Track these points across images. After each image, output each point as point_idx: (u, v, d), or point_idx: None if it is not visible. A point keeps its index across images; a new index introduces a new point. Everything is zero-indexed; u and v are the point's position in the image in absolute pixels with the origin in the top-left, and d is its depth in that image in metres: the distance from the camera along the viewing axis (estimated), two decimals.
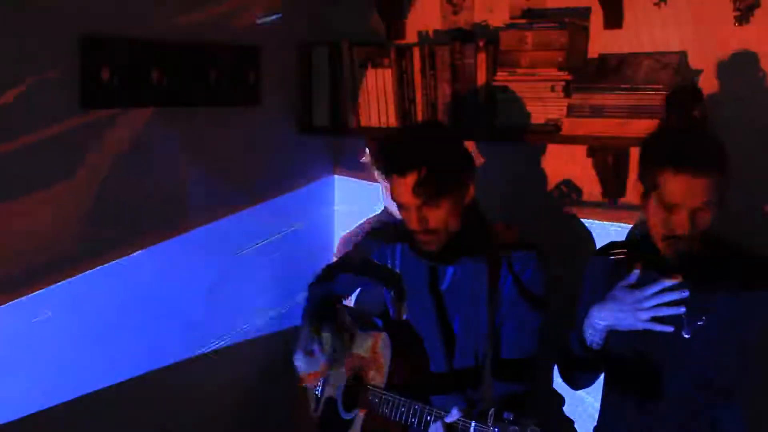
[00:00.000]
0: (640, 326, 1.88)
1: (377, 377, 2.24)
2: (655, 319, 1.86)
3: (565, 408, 2.44)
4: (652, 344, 1.97)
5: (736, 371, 1.98)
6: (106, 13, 2.25)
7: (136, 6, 2.32)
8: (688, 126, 2.07)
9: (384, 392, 2.18)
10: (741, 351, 1.97)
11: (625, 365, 2.04)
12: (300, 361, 2.33)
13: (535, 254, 2.17)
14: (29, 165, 2.13)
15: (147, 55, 2.34)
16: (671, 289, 1.84)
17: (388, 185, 2.19)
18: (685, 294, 1.82)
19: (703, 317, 1.93)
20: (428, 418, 2.01)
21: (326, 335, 2.29)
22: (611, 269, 2.07)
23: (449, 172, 2.11)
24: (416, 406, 2.05)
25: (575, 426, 2.39)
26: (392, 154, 2.16)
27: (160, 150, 2.45)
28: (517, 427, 1.71)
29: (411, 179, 2.08)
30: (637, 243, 2.08)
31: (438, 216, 2.11)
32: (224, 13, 2.57)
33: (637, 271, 1.90)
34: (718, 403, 1.97)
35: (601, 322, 1.94)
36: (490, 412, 1.76)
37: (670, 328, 1.86)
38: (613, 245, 2.15)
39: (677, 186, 1.88)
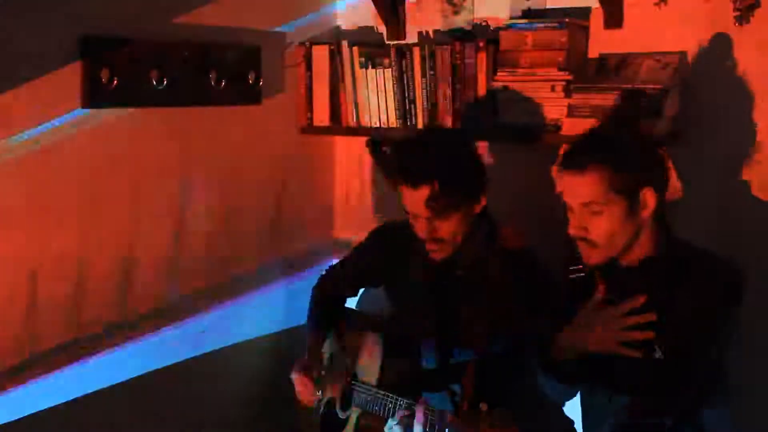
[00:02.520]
0: (610, 351, 1.85)
1: (370, 376, 2.25)
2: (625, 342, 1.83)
3: (565, 408, 2.44)
4: (624, 367, 1.89)
5: (716, 376, 1.94)
6: (106, 13, 2.25)
7: (136, 6, 2.32)
8: (611, 128, 2.02)
9: (374, 390, 2.19)
10: (717, 355, 1.91)
11: (598, 384, 1.99)
12: (298, 382, 2.34)
13: (537, 260, 2.18)
14: (30, 165, 2.13)
15: (147, 55, 2.33)
16: (636, 311, 1.82)
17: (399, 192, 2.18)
18: (652, 318, 1.80)
19: (672, 335, 1.84)
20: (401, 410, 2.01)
21: (326, 351, 2.31)
22: (571, 286, 2.02)
23: (462, 187, 2.10)
24: (400, 401, 2.05)
25: (575, 426, 2.38)
26: (405, 165, 2.13)
27: (160, 150, 2.45)
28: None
29: (423, 192, 2.07)
30: None
31: (447, 227, 2.12)
32: (224, 13, 2.57)
33: (600, 294, 1.87)
34: (704, 411, 1.93)
35: (568, 351, 1.91)
36: (463, 405, 1.77)
37: (638, 353, 1.82)
38: (572, 260, 2.05)
39: (564, 185, 1.87)
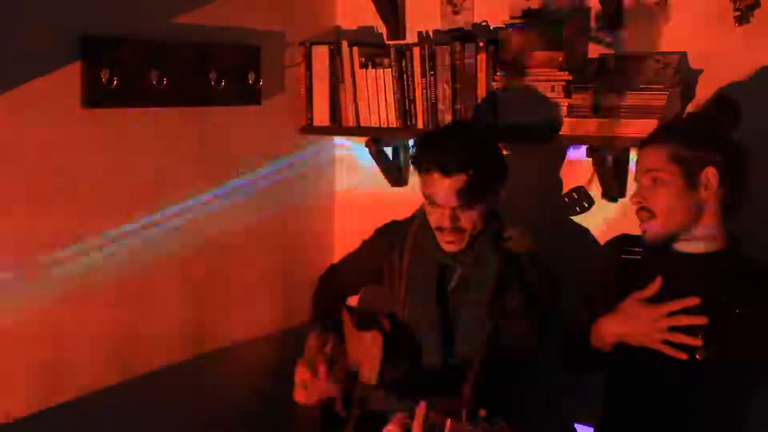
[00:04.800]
0: (653, 346, 1.83)
1: (371, 375, 2.24)
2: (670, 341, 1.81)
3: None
4: (663, 363, 1.86)
5: (756, 391, 1.92)
6: (106, 13, 2.25)
7: (136, 6, 2.32)
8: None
9: (374, 390, 2.19)
10: (761, 370, 1.90)
11: (632, 379, 1.98)
12: (301, 375, 2.32)
13: (542, 262, 2.18)
14: (30, 165, 2.13)
15: (147, 55, 2.33)
16: (689, 310, 1.79)
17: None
18: (703, 322, 1.78)
19: (720, 341, 1.82)
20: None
21: (329, 345, 2.30)
22: (622, 268, 2.02)
23: (492, 177, 2.14)
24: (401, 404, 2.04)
25: (575, 426, 2.39)
26: (439, 152, 2.13)
27: (159, 150, 2.45)
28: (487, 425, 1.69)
29: (456, 181, 2.08)
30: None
31: (470, 217, 2.14)
32: (224, 13, 2.57)
33: (656, 286, 1.84)
34: (736, 422, 1.92)
35: (610, 337, 1.90)
36: (462, 412, 1.75)
37: (683, 355, 1.81)
38: (625, 240, 2.08)
39: (638, 164, 2.00)
